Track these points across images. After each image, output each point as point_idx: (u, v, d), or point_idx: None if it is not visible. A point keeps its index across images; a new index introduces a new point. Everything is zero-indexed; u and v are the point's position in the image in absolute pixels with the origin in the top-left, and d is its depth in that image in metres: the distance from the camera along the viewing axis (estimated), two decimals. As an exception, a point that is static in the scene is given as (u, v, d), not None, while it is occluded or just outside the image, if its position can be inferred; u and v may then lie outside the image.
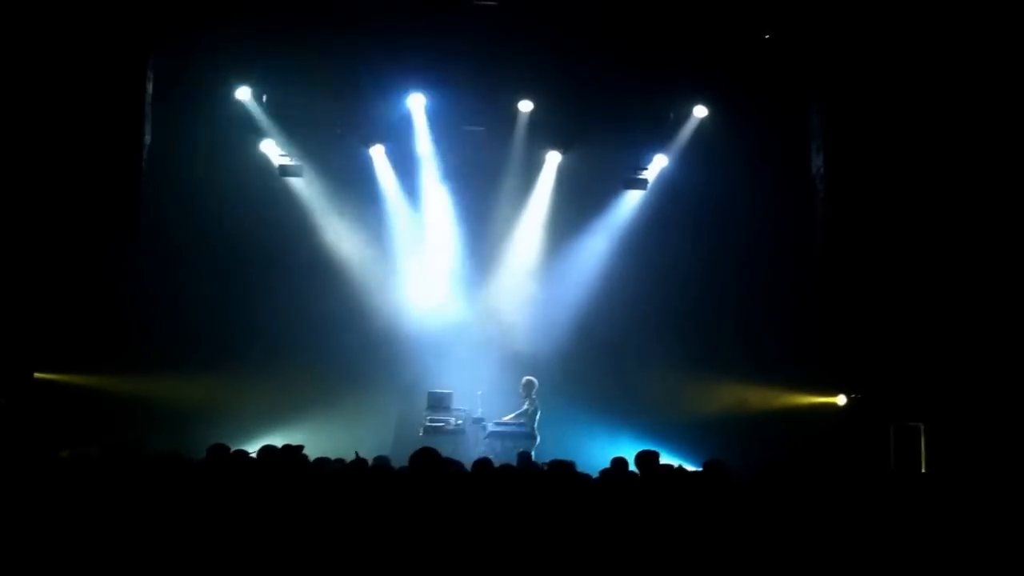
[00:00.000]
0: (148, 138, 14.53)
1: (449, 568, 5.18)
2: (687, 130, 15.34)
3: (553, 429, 14.01)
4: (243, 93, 14.77)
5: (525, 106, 15.16)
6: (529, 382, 14.23)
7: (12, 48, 13.00)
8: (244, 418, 13.87)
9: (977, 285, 12.95)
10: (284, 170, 15.26)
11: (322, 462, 7.93)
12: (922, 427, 13.12)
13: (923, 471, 12.67)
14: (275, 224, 15.28)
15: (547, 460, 7.61)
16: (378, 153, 15.63)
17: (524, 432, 13.85)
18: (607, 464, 7.82)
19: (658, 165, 15.63)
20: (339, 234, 15.64)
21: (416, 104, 15.12)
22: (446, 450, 10.84)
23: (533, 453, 12.82)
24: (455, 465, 7.71)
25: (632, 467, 7.66)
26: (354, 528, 5.42)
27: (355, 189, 15.64)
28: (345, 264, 15.60)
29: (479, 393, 14.62)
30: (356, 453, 8.12)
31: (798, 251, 14.90)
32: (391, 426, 14.81)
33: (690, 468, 8.01)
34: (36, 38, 13.12)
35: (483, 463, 7.08)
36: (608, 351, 15.29)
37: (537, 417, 13.97)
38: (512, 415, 14.15)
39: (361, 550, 5.28)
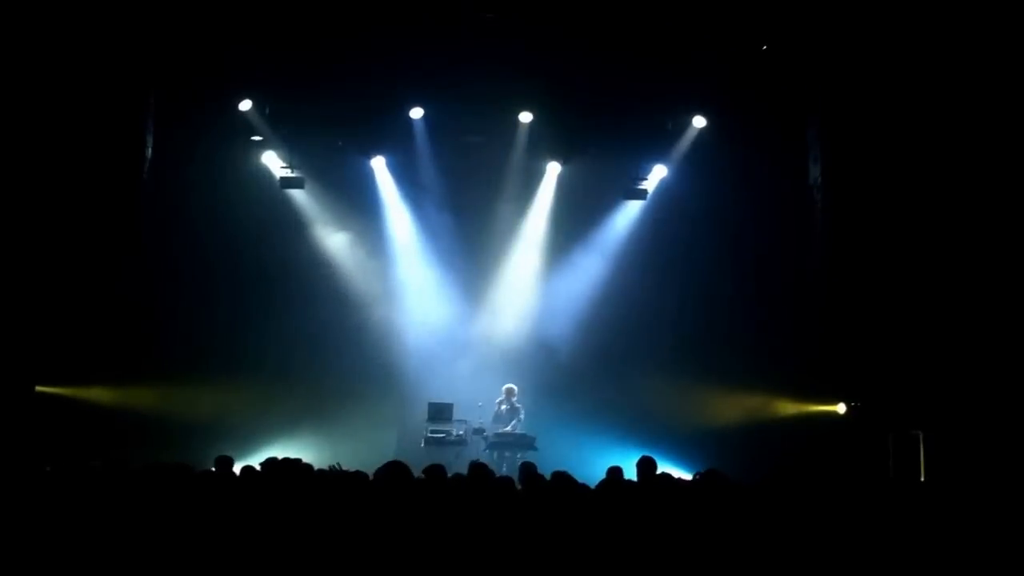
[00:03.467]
0: (150, 151, 14.60)
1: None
2: (686, 141, 15.40)
3: (554, 438, 14.05)
4: (245, 105, 14.84)
5: (525, 117, 15.24)
6: (511, 389, 14.41)
7: (14, 62, 13.05)
8: (245, 431, 13.89)
9: (976, 294, 12.98)
10: (285, 182, 15.31)
11: (324, 474, 7.97)
12: (921, 435, 13.15)
13: (922, 479, 12.69)
14: (276, 236, 15.34)
15: (549, 470, 7.63)
16: (379, 164, 15.71)
17: (526, 442, 13.92)
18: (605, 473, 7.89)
19: (657, 175, 15.70)
20: (340, 245, 15.71)
21: (417, 116, 15.20)
22: (447, 461, 10.91)
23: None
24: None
25: (627, 476, 7.70)
26: (355, 539, 5.45)
27: (356, 200, 15.72)
28: (346, 275, 15.67)
29: (480, 404, 14.66)
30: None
31: (797, 260, 14.94)
32: (393, 437, 14.84)
33: (688, 477, 8.07)
34: (39, 52, 13.18)
35: (479, 467, 7.09)
36: (608, 361, 15.33)
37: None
38: (510, 426, 14.30)
39: (361, 561, 5.32)
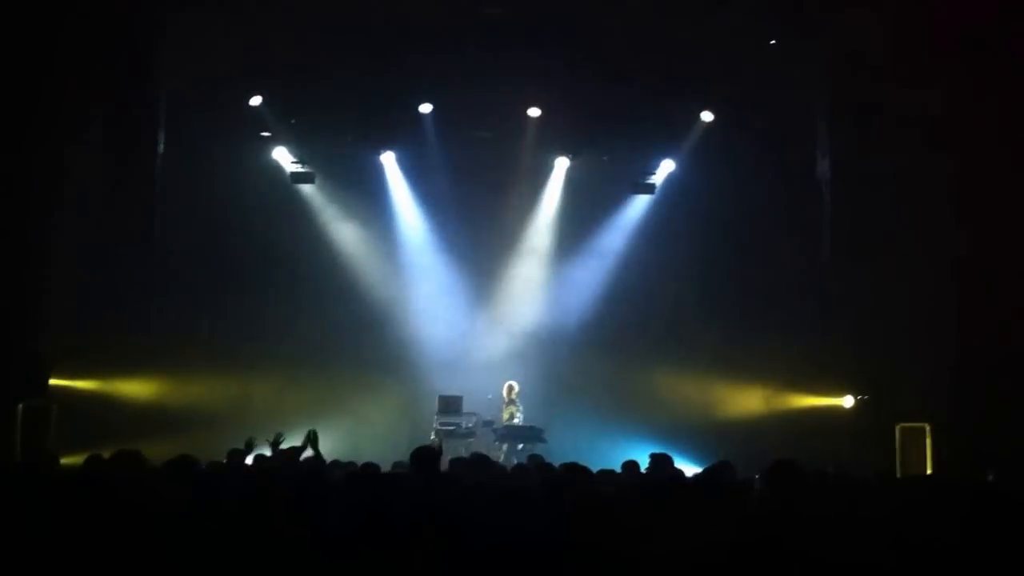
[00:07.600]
0: (162, 146, 14.70)
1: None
2: (694, 135, 15.45)
3: (563, 432, 14.14)
4: (256, 101, 14.92)
5: (534, 112, 15.30)
6: (512, 386, 14.61)
7: (25, 57, 13.11)
8: (257, 422, 13.95)
9: (982, 286, 13.02)
10: (296, 177, 15.40)
11: (335, 466, 8.05)
12: (927, 428, 13.21)
13: (928, 472, 12.74)
14: (286, 231, 15.41)
15: (558, 463, 7.70)
16: (389, 160, 15.79)
17: (535, 434, 13.99)
18: (615, 467, 7.94)
19: (665, 170, 15.75)
20: (350, 240, 15.79)
21: (426, 111, 15.26)
22: (457, 453, 10.99)
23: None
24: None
25: (643, 469, 7.75)
26: (361, 533, 5.50)
27: (366, 195, 15.79)
28: (356, 270, 15.75)
29: (489, 396, 14.75)
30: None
31: (804, 254, 15.00)
32: (404, 430, 14.92)
33: (698, 469, 8.13)
34: (50, 48, 13.24)
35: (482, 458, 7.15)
36: (617, 355, 15.36)
37: None
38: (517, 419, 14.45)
39: (366, 555, 5.36)
